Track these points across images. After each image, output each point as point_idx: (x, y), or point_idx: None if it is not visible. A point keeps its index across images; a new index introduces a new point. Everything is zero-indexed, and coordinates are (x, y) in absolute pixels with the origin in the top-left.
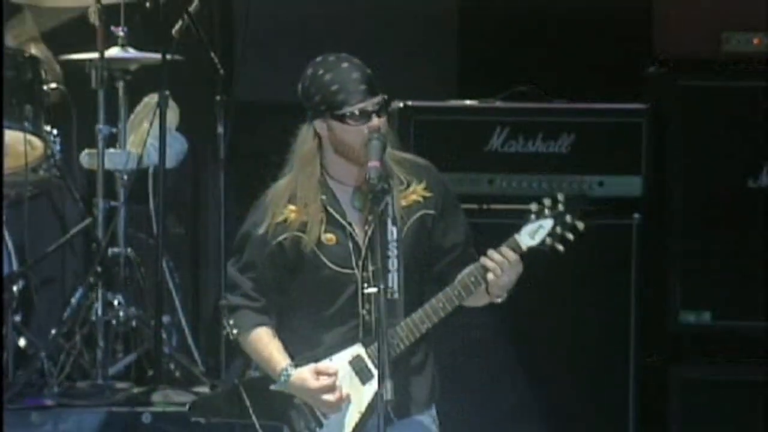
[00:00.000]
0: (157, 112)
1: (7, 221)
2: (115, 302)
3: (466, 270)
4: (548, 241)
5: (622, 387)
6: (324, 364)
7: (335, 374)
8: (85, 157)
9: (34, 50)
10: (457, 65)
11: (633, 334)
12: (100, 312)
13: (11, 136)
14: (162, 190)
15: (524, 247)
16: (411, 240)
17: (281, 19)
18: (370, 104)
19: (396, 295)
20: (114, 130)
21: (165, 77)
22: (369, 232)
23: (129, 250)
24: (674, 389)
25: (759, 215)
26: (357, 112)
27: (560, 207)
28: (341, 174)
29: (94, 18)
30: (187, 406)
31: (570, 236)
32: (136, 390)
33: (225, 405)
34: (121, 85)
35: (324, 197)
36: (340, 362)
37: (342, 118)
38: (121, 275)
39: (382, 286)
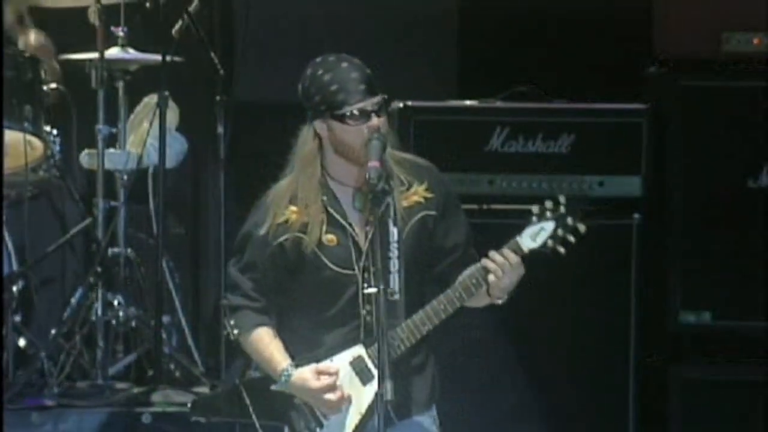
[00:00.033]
0: (157, 112)
1: (7, 221)
2: (115, 302)
3: (467, 271)
4: (550, 243)
5: (622, 387)
6: (325, 365)
7: (336, 374)
8: (85, 157)
9: (33, 39)
10: (457, 65)
11: (633, 334)
12: (100, 312)
13: (11, 136)
14: (162, 190)
15: (526, 249)
16: (412, 241)
17: (281, 19)
18: (370, 104)
19: (397, 296)
20: (114, 130)
21: (165, 77)
22: (370, 233)
23: (129, 250)
24: (674, 389)
25: (759, 215)
26: (357, 112)
27: (562, 209)
28: (342, 175)
29: (94, 18)
30: (188, 406)
31: (571, 239)
32: (136, 390)
33: (225, 405)
34: (121, 85)
35: (325, 198)
36: (340, 363)
37: (342, 118)
38: (121, 275)
39: (382, 287)
